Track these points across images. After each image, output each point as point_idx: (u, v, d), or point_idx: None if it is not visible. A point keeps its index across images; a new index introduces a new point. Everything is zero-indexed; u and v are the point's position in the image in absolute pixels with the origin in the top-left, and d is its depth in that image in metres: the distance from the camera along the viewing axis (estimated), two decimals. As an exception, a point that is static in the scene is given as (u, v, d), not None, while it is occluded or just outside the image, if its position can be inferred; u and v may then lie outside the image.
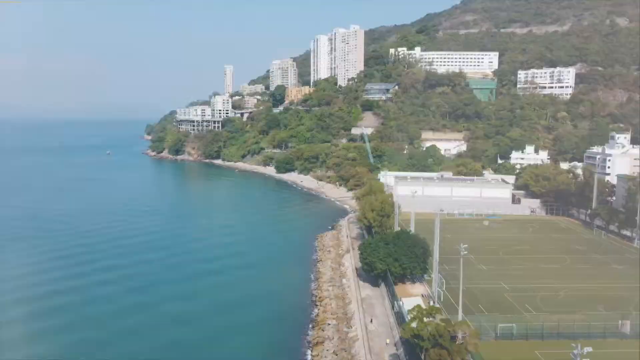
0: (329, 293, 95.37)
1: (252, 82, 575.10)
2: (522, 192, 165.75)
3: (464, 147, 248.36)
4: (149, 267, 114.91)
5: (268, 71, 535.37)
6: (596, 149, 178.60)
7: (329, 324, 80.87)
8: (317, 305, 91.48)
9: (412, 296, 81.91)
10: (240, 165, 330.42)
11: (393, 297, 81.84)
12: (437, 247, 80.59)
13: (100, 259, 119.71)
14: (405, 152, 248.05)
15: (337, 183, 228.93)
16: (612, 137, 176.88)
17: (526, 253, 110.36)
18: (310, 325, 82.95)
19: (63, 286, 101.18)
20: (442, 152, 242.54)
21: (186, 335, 79.91)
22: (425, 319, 59.63)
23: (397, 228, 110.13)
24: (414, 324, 60.16)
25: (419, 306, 62.32)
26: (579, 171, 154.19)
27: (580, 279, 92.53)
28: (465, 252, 68.88)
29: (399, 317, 74.66)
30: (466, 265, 72.04)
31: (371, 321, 76.28)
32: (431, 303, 78.67)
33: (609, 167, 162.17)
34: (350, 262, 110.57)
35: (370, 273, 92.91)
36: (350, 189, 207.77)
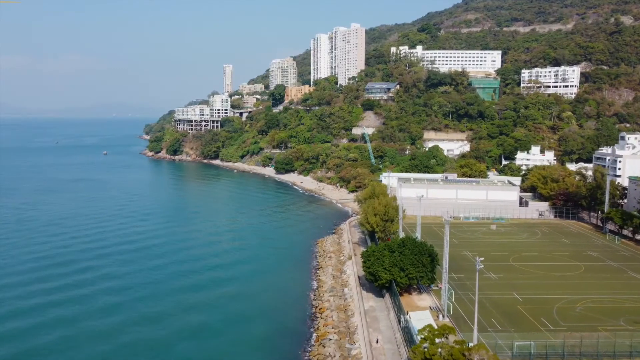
0: (329, 304, 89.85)
1: (252, 82, 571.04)
2: (529, 194, 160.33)
3: (467, 148, 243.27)
4: (148, 275, 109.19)
5: (268, 70, 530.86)
6: (605, 149, 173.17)
7: (330, 339, 75.26)
8: (317, 317, 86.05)
9: (420, 309, 76.54)
10: (239, 165, 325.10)
11: (399, 310, 76.19)
12: (446, 256, 74.91)
13: (98, 267, 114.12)
14: (407, 152, 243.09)
15: (337, 184, 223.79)
16: (622, 138, 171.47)
17: (537, 260, 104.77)
18: (311, 340, 77.54)
19: (61, 296, 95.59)
20: (445, 152, 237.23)
21: (186, 351, 74.69)
22: (437, 340, 54.18)
23: (401, 234, 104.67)
24: (424, 345, 54.71)
25: (430, 326, 56.75)
26: (589, 172, 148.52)
27: (598, 288, 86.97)
28: (482, 266, 63.26)
29: (406, 332, 69.19)
30: (475, 273, 66.20)
31: (377, 341, 70.50)
32: (440, 317, 73.34)
33: (619, 169, 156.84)
34: (353, 269, 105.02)
35: (374, 283, 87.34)
36: (352, 191, 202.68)
